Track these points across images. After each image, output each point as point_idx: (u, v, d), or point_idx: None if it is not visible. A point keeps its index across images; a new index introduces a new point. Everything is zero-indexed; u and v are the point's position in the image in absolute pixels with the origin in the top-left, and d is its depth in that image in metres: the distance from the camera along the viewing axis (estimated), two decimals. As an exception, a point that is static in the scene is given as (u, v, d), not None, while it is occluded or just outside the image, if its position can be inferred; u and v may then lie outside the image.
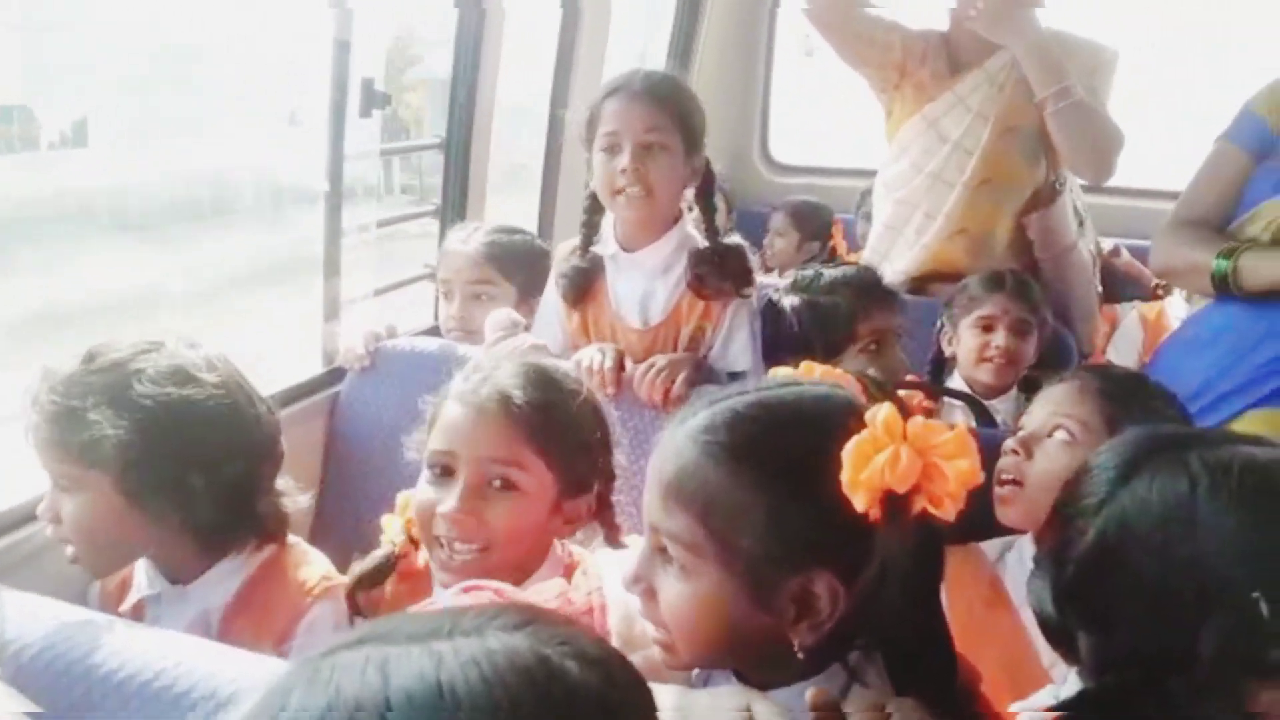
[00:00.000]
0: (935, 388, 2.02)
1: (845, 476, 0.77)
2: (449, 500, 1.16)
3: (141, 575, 1.26)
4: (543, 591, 1.02)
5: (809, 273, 2.00)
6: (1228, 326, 1.61)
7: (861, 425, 0.79)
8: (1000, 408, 2.01)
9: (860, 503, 0.77)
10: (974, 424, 1.84)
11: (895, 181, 2.43)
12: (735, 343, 1.79)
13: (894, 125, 2.43)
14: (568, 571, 1.17)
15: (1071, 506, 0.91)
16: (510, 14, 2.24)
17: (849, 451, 0.78)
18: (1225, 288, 1.58)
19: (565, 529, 1.21)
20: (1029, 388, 1.95)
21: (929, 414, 1.98)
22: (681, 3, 3.31)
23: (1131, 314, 3.16)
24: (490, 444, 1.16)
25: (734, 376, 1.78)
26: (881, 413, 0.79)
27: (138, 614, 1.25)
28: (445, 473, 1.19)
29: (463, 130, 2.23)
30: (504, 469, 1.16)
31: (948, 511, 0.79)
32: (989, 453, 1.35)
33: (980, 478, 0.80)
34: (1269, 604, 0.76)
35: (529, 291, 2.00)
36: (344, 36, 1.81)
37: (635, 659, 0.62)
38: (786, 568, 0.80)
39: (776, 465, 0.82)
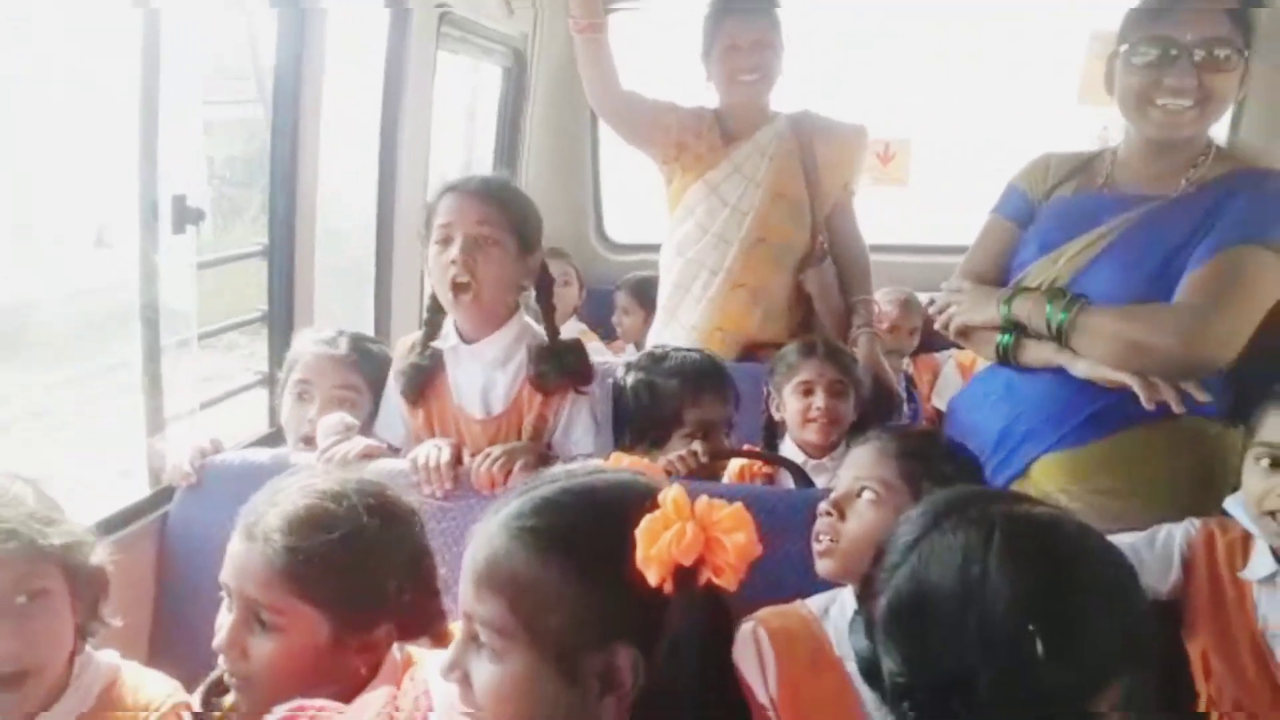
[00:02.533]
0: (765, 454, 2.11)
1: (639, 553, 0.83)
2: (222, 632, 1.17)
3: None
4: (370, 704, 1.02)
5: (657, 352, 2.10)
6: (1010, 386, 1.76)
7: (657, 506, 0.86)
8: (830, 466, 2.12)
9: (653, 576, 0.83)
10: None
11: (684, 242, 2.61)
12: (576, 429, 1.85)
13: (674, 192, 2.64)
14: (406, 669, 1.17)
15: (888, 547, 1.01)
16: (328, 107, 2.25)
17: (642, 530, 0.84)
18: (1005, 359, 1.74)
19: (360, 658, 1.18)
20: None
21: (769, 479, 2.08)
22: (504, 98, 3.41)
23: (950, 361, 3.39)
24: (253, 584, 1.16)
25: None
26: (671, 493, 0.86)
27: None
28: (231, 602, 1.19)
29: (285, 235, 2.22)
30: (265, 610, 1.15)
31: (729, 581, 0.86)
32: (809, 512, 1.46)
33: (758, 549, 0.87)
34: (1043, 644, 0.87)
35: (379, 402, 1.99)
36: (151, 153, 1.79)
37: None
38: (590, 644, 0.86)
39: (580, 547, 0.88)
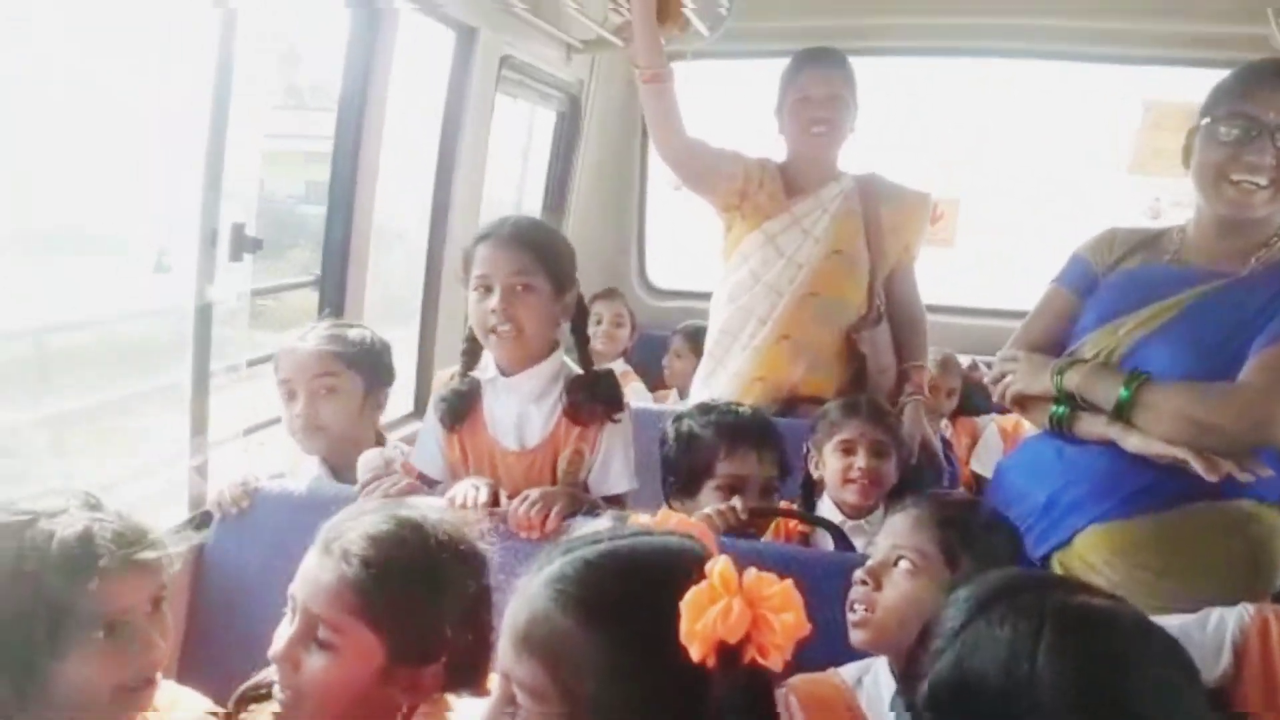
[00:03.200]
0: (803, 514, 2.08)
1: (683, 627, 0.81)
2: (279, 642, 1.17)
3: None
4: None
5: (709, 403, 2.10)
6: (1061, 453, 1.73)
7: (703, 576, 0.84)
8: (868, 529, 2.08)
9: (696, 652, 0.80)
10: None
11: (736, 290, 2.61)
12: (613, 466, 1.84)
13: (733, 240, 2.65)
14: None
15: (934, 630, 0.97)
16: (387, 145, 2.31)
17: (687, 603, 0.82)
18: (1058, 429, 1.71)
19: (404, 697, 1.18)
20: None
21: (804, 538, 2.05)
22: (556, 141, 3.46)
23: (991, 426, 3.35)
24: (319, 598, 1.16)
25: (611, 500, 1.84)
26: (718, 566, 0.83)
27: None
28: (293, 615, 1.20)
29: (338, 265, 2.25)
30: (324, 627, 1.15)
31: (774, 662, 0.83)
32: (847, 577, 1.43)
33: (806, 629, 0.84)
34: None
35: (374, 384, 2.01)
36: (214, 182, 1.83)
37: None
38: (627, 716, 0.83)
39: (621, 617, 0.86)
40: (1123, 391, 1.60)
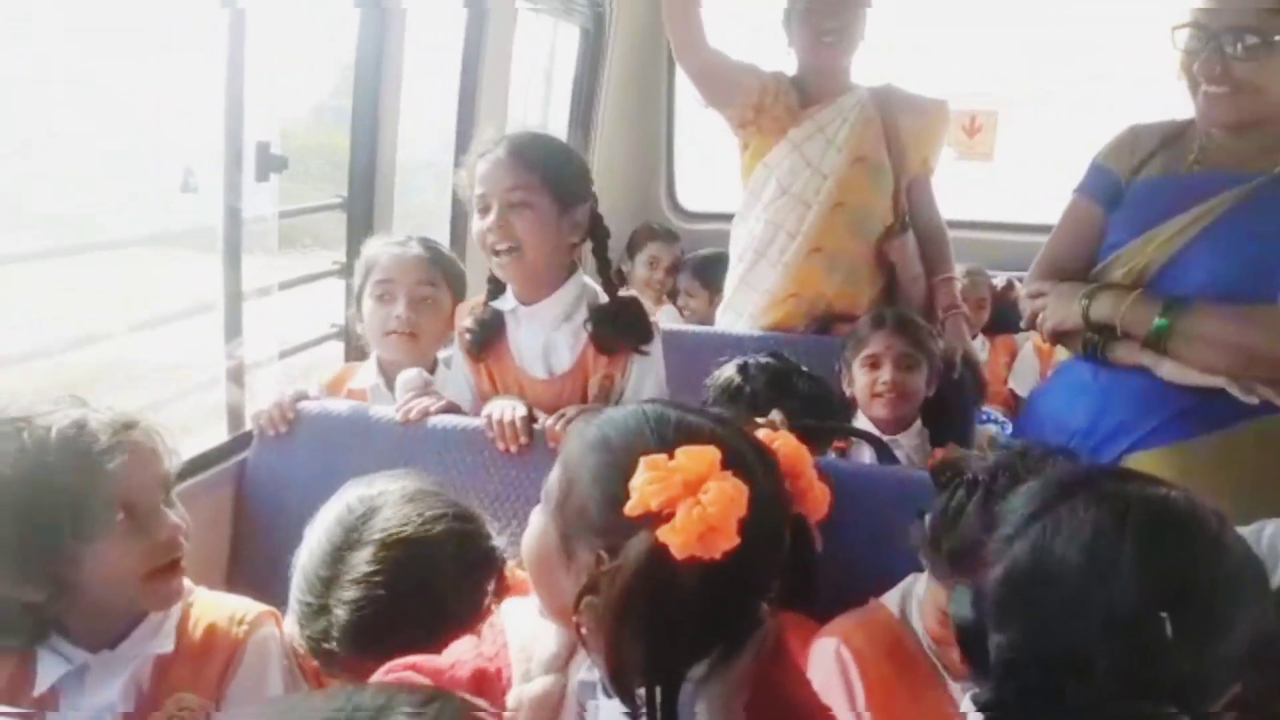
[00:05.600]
0: (842, 427, 2.06)
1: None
2: None
3: (48, 657, 1.19)
4: (455, 651, 1.02)
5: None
6: (1097, 376, 1.70)
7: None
8: (904, 443, 2.07)
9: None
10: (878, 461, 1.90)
11: (764, 203, 2.54)
12: (644, 391, 1.80)
13: (751, 156, 2.58)
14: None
15: (1006, 516, 0.96)
16: (410, 70, 2.26)
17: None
18: (1093, 357, 1.68)
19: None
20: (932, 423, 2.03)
21: (841, 452, 2.04)
22: (581, 61, 3.38)
23: (1028, 344, 3.32)
24: None
25: None
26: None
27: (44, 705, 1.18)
28: None
29: (364, 189, 2.23)
30: None
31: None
32: (891, 490, 1.41)
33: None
34: (1173, 632, 0.82)
35: (459, 298, 2.02)
36: (237, 100, 1.80)
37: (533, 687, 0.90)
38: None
39: None
40: (1159, 321, 1.56)
